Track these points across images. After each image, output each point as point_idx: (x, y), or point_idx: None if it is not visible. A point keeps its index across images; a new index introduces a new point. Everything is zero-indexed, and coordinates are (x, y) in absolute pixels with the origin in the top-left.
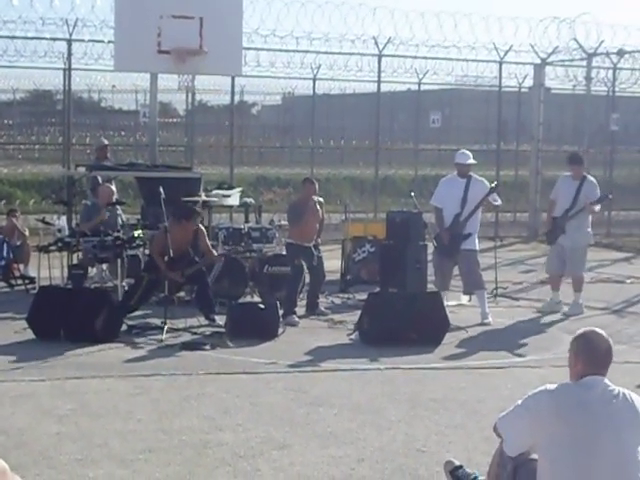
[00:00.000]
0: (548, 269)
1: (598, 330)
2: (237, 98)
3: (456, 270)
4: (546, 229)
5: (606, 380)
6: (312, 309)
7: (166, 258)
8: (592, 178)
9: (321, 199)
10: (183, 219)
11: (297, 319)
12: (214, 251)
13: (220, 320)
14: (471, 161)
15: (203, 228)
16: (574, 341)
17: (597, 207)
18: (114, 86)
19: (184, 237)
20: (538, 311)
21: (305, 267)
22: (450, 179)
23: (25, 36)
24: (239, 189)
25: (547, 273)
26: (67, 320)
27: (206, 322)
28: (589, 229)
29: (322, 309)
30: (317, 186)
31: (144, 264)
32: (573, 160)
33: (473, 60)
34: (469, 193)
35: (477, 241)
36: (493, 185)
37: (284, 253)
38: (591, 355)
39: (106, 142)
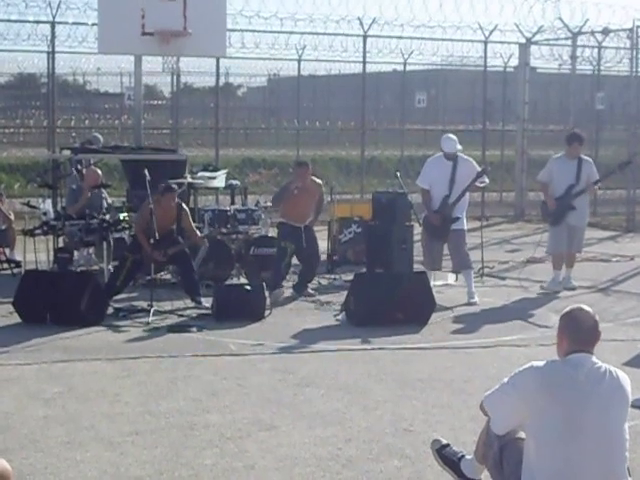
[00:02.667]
0: (554, 249)
1: (584, 307)
2: (222, 80)
3: (445, 249)
4: (549, 210)
5: (593, 358)
6: (300, 290)
7: (151, 241)
8: (588, 158)
9: (319, 181)
10: (161, 195)
11: (283, 290)
12: (198, 232)
13: (207, 302)
14: (459, 147)
15: (187, 209)
16: (560, 319)
17: (598, 187)
18: (99, 69)
19: (166, 215)
20: (542, 290)
21: (293, 248)
22: (437, 159)
23: (8, 19)
24: (225, 171)
25: (551, 253)
26: (53, 303)
27: (192, 304)
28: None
29: (309, 291)
30: (309, 169)
31: (129, 245)
32: (575, 138)
33: (458, 40)
34: (457, 174)
35: (465, 221)
36: (482, 169)
37: (270, 235)
38: (576, 332)
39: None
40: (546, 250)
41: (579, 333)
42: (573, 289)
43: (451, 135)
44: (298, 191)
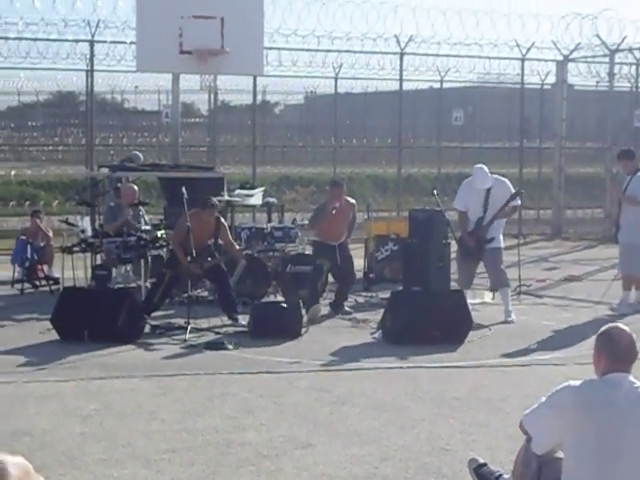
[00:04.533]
0: (620, 267)
1: (621, 326)
2: (259, 98)
3: (480, 267)
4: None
5: (631, 377)
6: (336, 308)
7: (189, 258)
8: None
9: (353, 200)
10: (201, 209)
11: (321, 307)
12: (236, 245)
13: (243, 319)
14: (490, 184)
15: (225, 222)
16: (597, 337)
17: None
18: (136, 87)
19: (204, 229)
20: (611, 310)
21: (328, 266)
22: (472, 183)
23: (48, 38)
24: (262, 189)
25: (620, 271)
26: (91, 321)
27: (229, 322)
28: None
29: (346, 309)
30: (344, 189)
31: (166, 260)
32: (622, 155)
33: (495, 57)
34: (491, 196)
35: (502, 238)
36: (516, 190)
37: (307, 252)
38: (613, 351)
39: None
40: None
41: (616, 352)
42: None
43: (483, 168)
44: (333, 215)
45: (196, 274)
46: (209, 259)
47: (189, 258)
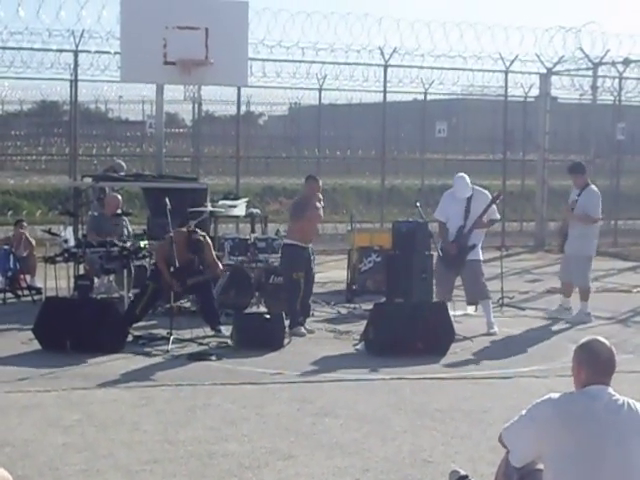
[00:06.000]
0: (560, 276)
1: (600, 339)
2: (243, 108)
3: (459, 280)
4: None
5: (610, 389)
6: (306, 312)
7: (172, 269)
8: (594, 188)
9: (320, 197)
10: (186, 233)
11: (304, 330)
12: (219, 264)
13: (226, 331)
14: (470, 193)
15: (209, 240)
16: (576, 350)
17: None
18: (120, 97)
19: (183, 244)
20: (548, 316)
21: (303, 276)
22: (453, 193)
23: (32, 47)
24: (245, 199)
25: (560, 280)
26: (73, 331)
27: (212, 332)
28: (594, 239)
29: (305, 329)
30: (320, 183)
31: (150, 273)
32: (573, 169)
33: (479, 70)
34: (472, 205)
35: (481, 251)
36: (496, 194)
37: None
38: (593, 364)
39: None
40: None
41: (595, 365)
42: (583, 323)
43: (464, 177)
44: (313, 209)
45: (178, 291)
46: (192, 275)
47: (172, 269)
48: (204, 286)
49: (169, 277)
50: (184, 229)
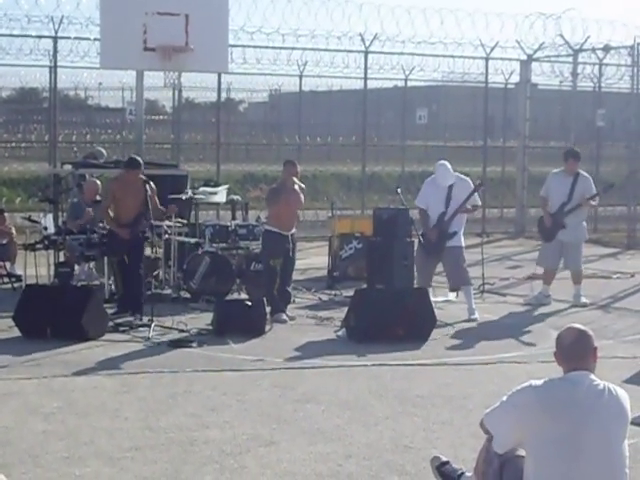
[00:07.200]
0: (544, 264)
1: (573, 325)
2: (224, 95)
3: (440, 267)
4: (545, 225)
5: (592, 375)
6: (287, 299)
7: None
8: (586, 173)
9: (302, 185)
10: (125, 171)
11: (285, 317)
12: (163, 209)
13: (206, 317)
14: (452, 181)
15: (153, 186)
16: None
17: (595, 202)
18: (100, 83)
19: (130, 193)
20: (526, 303)
21: (280, 263)
22: (434, 180)
23: (10, 34)
24: (226, 186)
25: (542, 267)
26: (54, 318)
27: (190, 317)
28: (584, 224)
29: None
30: (298, 168)
31: (104, 246)
32: (570, 155)
33: (459, 56)
34: (453, 192)
35: (462, 238)
36: (477, 183)
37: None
38: (563, 350)
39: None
40: (537, 262)
41: (565, 351)
42: (584, 305)
43: (446, 164)
44: (291, 193)
45: (125, 239)
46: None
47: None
48: (138, 269)
49: (116, 225)
50: (140, 175)
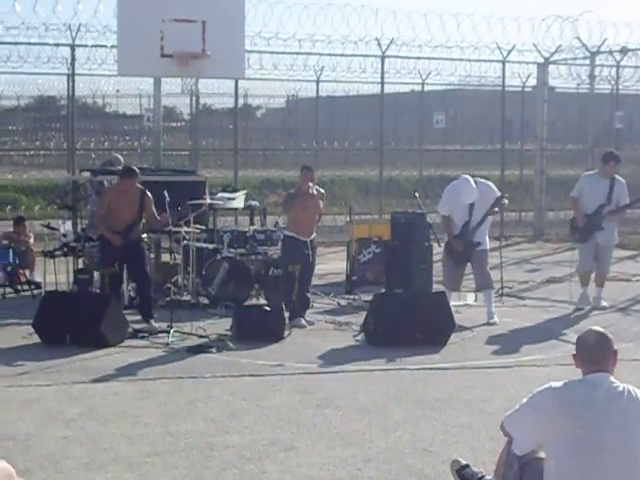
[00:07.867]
0: (582, 267)
1: (593, 327)
2: (241, 101)
3: (467, 268)
4: (578, 226)
5: (611, 377)
6: (305, 304)
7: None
8: (621, 178)
9: (322, 190)
10: (120, 178)
11: (304, 322)
12: (158, 217)
13: (225, 323)
14: (475, 198)
15: (150, 196)
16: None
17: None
18: (118, 91)
19: (126, 201)
20: (578, 308)
21: (299, 269)
22: (455, 187)
23: (28, 42)
24: (244, 192)
25: (579, 271)
26: (73, 325)
27: (210, 324)
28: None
29: (305, 320)
30: (315, 174)
31: (98, 259)
32: (611, 158)
33: (476, 60)
34: (476, 200)
35: (488, 241)
36: (500, 195)
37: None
38: (583, 353)
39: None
40: (575, 269)
41: (584, 353)
42: (604, 309)
43: (469, 180)
44: (307, 198)
45: (117, 247)
46: (133, 230)
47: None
48: (139, 253)
49: (110, 233)
50: (138, 185)
